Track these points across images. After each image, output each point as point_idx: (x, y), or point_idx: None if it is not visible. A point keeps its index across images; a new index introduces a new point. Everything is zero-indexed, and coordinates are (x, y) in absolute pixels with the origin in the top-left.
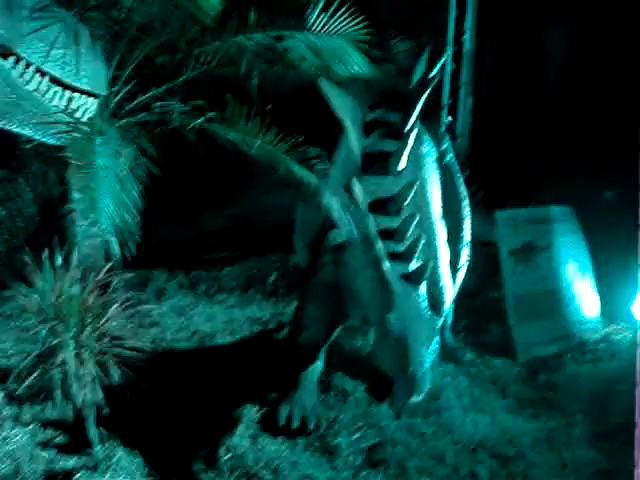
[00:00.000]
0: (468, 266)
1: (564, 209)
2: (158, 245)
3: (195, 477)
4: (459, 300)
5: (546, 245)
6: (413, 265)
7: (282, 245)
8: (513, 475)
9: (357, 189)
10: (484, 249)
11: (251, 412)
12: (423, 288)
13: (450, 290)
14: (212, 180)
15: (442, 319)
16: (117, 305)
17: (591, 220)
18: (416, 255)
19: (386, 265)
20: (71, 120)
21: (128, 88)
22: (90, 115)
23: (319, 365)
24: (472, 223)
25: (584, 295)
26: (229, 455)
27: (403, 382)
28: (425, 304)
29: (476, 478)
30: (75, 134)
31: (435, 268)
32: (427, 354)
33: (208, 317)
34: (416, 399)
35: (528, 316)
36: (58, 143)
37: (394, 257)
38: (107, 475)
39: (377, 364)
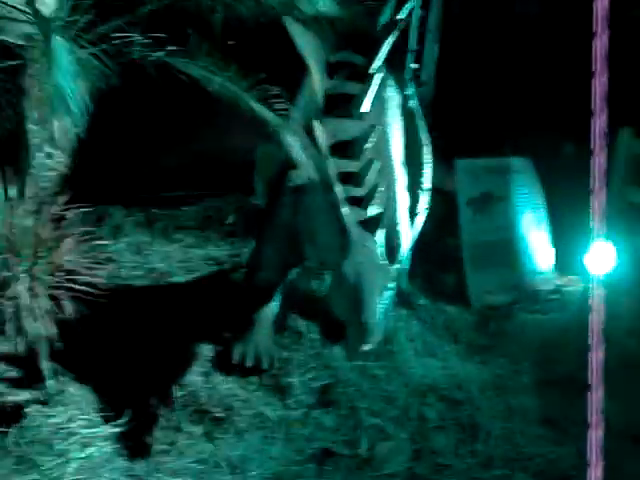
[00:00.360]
0: (427, 214)
1: (523, 161)
2: (116, 181)
3: (147, 413)
4: (417, 247)
5: (504, 195)
6: (371, 211)
7: (242, 186)
8: (460, 419)
9: (318, 130)
10: (444, 197)
11: (205, 350)
12: (380, 235)
13: (407, 237)
14: (173, 117)
15: (398, 265)
16: (72, 239)
17: (549, 173)
18: (374, 201)
19: (344, 209)
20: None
21: (88, 18)
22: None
23: (274, 306)
24: (433, 171)
25: (539, 246)
26: (182, 392)
27: (356, 329)
28: (381, 252)
29: (425, 420)
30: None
31: (393, 214)
32: (381, 302)
33: (165, 256)
34: (368, 346)
35: (483, 265)
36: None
37: (352, 202)
38: (58, 409)
39: (332, 308)
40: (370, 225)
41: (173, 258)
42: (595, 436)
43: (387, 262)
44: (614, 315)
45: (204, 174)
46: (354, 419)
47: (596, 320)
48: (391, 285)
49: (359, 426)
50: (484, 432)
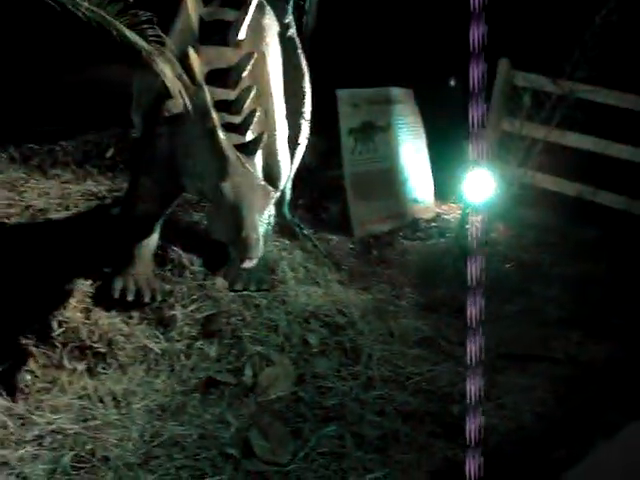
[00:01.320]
0: (308, 144)
1: (405, 91)
2: None
3: (26, 352)
4: (299, 178)
5: (385, 125)
6: (249, 136)
7: (121, 119)
8: (342, 342)
9: (193, 59)
10: (326, 129)
11: (84, 286)
12: (258, 159)
13: (287, 165)
14: (47, 47)
15: (278, 192)
16: None
17: (430, 103)
18: (252, 127)
19: (220, 135)
20: None
21: None
22: None
23: (154, 238)
24: (314, 101)
25: (419, 176)
26: (61, 329)
27: (237, 246)
28: (259, 174)
29: (308, 345)
30: None
31: (272, 141)
32: (261, 221)
33: (41, 192)
34: (249, 264)
35: (365, 194)
36: None
37: (230, 129)
38: None
39: (212, 234)
40: (248, 149)
41: (50, 195)
42: (471, 352)
43: (267, 184)
44: (491, 241)
45: (81, 107)
46: (238, 348)
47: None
48: (272, 211)
49: (243, 354)
50: (365, 355)
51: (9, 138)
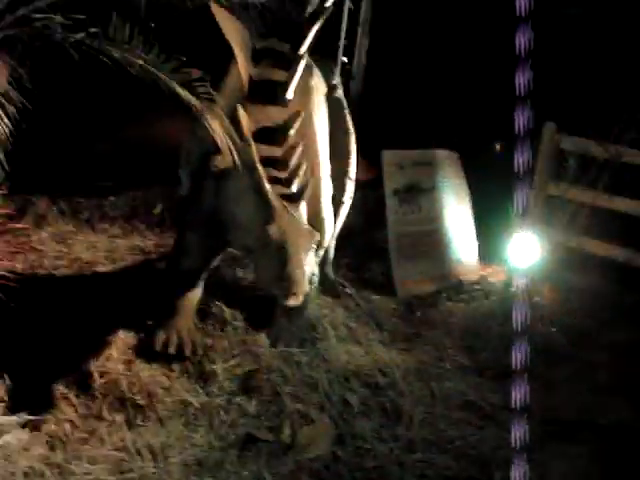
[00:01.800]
0: (353, 204)
1: (450, 153)
2: (39, 170)
3: (67, 401)
4: (343, 238)
5: (430, 187)
6: (294, 188)
7: (169, 177)
8: (383, 403)
9: (241, 116)
10: (371, 189)
11: (127, 338)
12: (303, 209)
13: (331, 223)
14: (97, 106)
15: (322, 251)
16: None
17: (475, 166)
18: (297, 180)
19: (266, 185)
20: None
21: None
22: None
23: (198, 292)
24: (359, 162)
25: (464, 238)
26: (102, 380)
27: (281, 284)
28: (305, 221)
29: (348, 405)
30: None
31: (316, 199)
32: (306, 261)
33: (89, 246)
34: (294, 302)
35: (409, 255)
36: None
37: (275, 182)
38: None
39: (257, 278)
40: (294, 197)
41: (98, 248)
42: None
43: (312, 229)
44: (535, 305)
45: (130, 163)
46: (277, 405)
47: (519, 309)
48: (314, 266)
49: (282, 412)
50: (407, 416)
51: (59, 192)
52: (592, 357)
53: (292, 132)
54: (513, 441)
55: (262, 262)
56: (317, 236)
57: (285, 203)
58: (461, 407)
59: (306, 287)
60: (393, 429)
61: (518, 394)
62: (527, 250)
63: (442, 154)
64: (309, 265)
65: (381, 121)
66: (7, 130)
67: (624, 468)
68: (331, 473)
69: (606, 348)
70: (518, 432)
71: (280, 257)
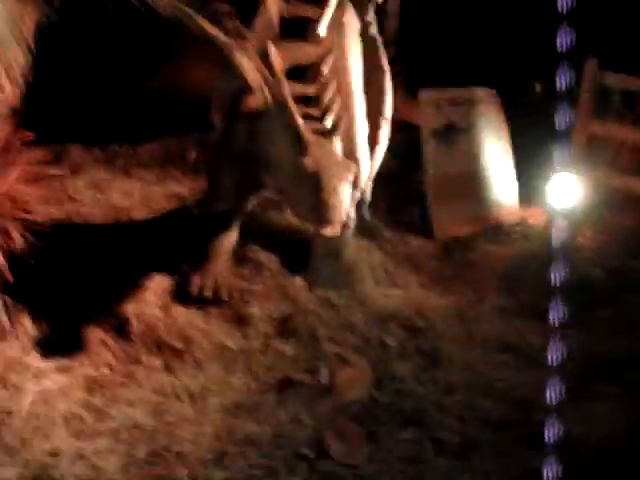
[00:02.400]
0: (389, 147)
1: (488, 91)
2: (73, 118)
3: (105, 346)
4: (379, 181)
5: (468, 126)
6: (327, 124)
7: (203, 123)
8: (421, 346)
9: (273, 54)
10: (407, 131)
11: (163, 283)
12: (337, 142)
13: (367, 163)
14: (129, 51)
15: (359, 192)
16: (20, 168)
17: (515, 105)
18: (331, 116)
19: (299, 121)
20: None
21: None
22: None
23: (233, 236)
24: (396, 102)
25: (503, 178)
26: (140, 324)
27: (316, 213)
28: (339, 153)
29: (386, 347)
30: None
31: (351, 138)
32: (341, 187)
33: (125, 193)
34: (329, 231)
35: (447, 197)
36: None
37: (309, 118)
38: (12, 343)
39: (291, 208)
40: (327, 133)
41: (133, 195)
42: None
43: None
44: (577, 246)
45: (164, 110)
46: (314, 348)
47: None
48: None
49: (320, 354)
50: (446, 359)
51: (94, 140)
52: (636, 298)
53: (325, 69)
54: (555, 383)
55: (297, 193)
56: (352, 166)
57: (319, 137)
58: (501, 349)
59: (342, 215)
60: (432, 372)
61: (560, 336)
62: (568, 191)
63: (480, 93)
64: (344, 194)
65: (417, 60)
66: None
67: None
68: (369, 416)
69: None
70: (560, 374)
71: (314, 186)
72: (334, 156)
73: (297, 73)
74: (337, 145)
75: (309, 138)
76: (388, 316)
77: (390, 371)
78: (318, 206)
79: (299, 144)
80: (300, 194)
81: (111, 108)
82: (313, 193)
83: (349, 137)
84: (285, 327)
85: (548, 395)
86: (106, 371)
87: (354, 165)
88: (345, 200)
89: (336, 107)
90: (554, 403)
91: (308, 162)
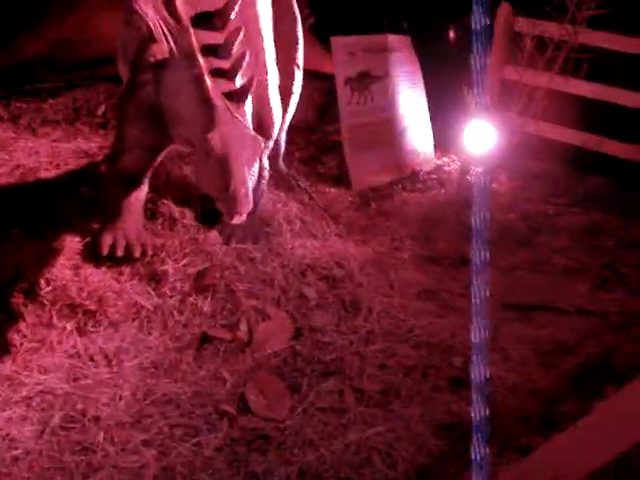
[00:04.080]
0: (304, 96)
1: (402, 38)
2: None
3: (14, 311)
4: (296, 132)
5: (383, 74)
6: (238, 82)
7: (110, 76)
8: (341, 295)
9: (178, 1)
10: (320, 80)
11: (73, 243)
12: (248, 106)
13: (279, 113)
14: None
15: (271, 142)
16: None
17: (429, 52)
18: (241, 72)
19: (208, 81)
20: None
21: None
22: None
23: (143, 191)
24: (305, 50)
25: (418, 126)
26: (50, 287)
27: (224, 202)
28: (250, 123)
29: (305, 299)
30: None
31: (263, 88)
32: (250, 174)
33: (31, 151)
34: (238, 220)
35: (362, 146)
36: None
37: (217, 74)
38: None
39: (200, 187)
40: (238, 94)
41: (40, 153)
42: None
43: (256, 134)
44: (493, 192)
45: (69, 63)
46: (232, 302)
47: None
48: (264, 162)
49: (238, 309)
50: (365, 308)
51: None
52: (551, 242)
53: (233, 16)
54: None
55: (203, 174)
56: (262, 143)
57: (228, 103)
58: (420, 296)
59: (250, 204)
60: (352, 321)
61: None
62: (483, 137)
63: (394, 39)
64: (253, 179)
65: (329, 5)
66: None
67: (582, 350)
68: (290, 367)
69: (565, 232)
70: (477, 318)
71: (222, 171)
72: (244, 132)
73: (203, 20)
74: (248, 107)
75: (218, 105)
76: (306, 267)
77: (309, 322)
78: (225, 197)
79: (207, 114)
80: (207, 175)
81: (13, 62)
82: (220, 180)
83: (260, 87)
84: (201, 283)
85: (466, 340)
86: (16, 337)
87: (264, 140)
88: (253, 185)
89: (246, 60)
90: (472, 347)
91: (215, 140)
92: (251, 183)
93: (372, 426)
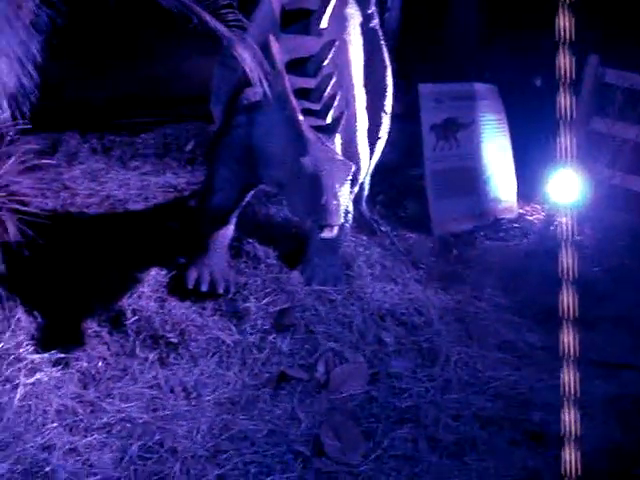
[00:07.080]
0: (389, 140)
1: (489, 87)
2: (69, 107)
3: (99, 339)
4: (379, 175)
5: (468, 122)
6: (328, 120)
7: (200, 113)
8: (418, 342)
9: (273, 46)
10: (407, 125)
11: (159, 276)
12: (337, 141)
13: (366, 157)
14: (126, 39)
15: (357, 186)
16: (15, 159)
17: (515, 102)
18: (331, 112)
19: (299, 117)
20: None
21: None
22: None
23: (230, 230)
24: (395, 97)
25: (502, 175)
26: (135, 318)
27: (316, 215)
28: (339, 152)
29: (383, 344)
30: None
31: (351, 132)
32: (341, 190)
33: (121, 183)
34: (329, 233)
35: (446, 192)
36: None
37: (309, 114)
38: (5, 335)
39: (292, 210)
40: (328, 128)
41: (130, 186)
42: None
43: (346, 160)
44: (577, 244)
45: (162, 100)
46: (311, 343)
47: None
48: (349, 204)
49: (316, 350)
50: (443, 356)
51: (91, 130)
52: (636, 298)
53: (326, 62)
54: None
55: (296, 194)
56: (352, 167)
57: (319, 135)
58: (498, 347)
59: (341, 218)
60: (429, 369)
61: (561, 335)
62: (568, 188)
63: (481, 88)
64: (344, 197)
65: (418, 54)
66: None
67: None
68: (366, 412)
69: None
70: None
71: (314, 188)
72: (334, 156)
73: (297, 66)
74: (337, 142)
75: (309, 136)
76: (385, 312)
77: (386, 368)
78: (317, 210)
79: (299, 142)
80: (299, 195)
81: (108, 97)
82: (312, 196)
83: (349, 132)
84: (282, 322)
85: (545, 394)
86: (100, 364)
87: (353, 165)
88: (344, 202)
89: (337, 102)
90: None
91: (307, 162)
92: (342, 201)
93: (446, 477)
